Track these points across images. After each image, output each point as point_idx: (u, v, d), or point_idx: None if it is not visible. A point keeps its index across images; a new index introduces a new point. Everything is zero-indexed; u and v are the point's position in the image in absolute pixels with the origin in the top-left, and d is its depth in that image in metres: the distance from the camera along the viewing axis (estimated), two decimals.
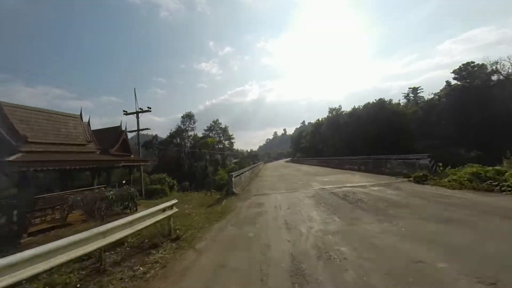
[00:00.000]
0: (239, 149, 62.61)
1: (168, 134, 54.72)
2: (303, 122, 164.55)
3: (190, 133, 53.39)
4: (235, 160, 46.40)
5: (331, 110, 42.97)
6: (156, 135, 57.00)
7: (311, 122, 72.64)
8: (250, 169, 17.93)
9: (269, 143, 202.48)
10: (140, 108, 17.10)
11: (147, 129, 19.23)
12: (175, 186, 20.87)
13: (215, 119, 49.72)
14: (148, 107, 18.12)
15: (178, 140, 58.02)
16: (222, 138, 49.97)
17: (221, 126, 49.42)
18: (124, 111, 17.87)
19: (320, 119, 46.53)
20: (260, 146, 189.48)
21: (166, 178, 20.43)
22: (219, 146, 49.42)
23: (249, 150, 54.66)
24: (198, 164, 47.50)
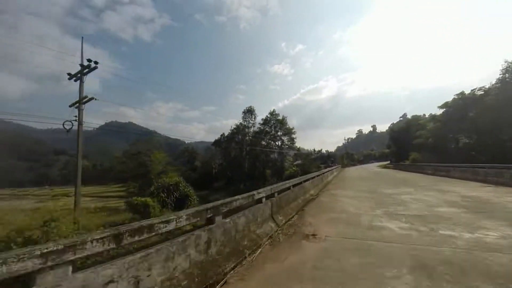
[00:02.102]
0: (309, 149, 52.42)
1: (229, 132, 55.20)
2: (404, 115, 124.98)
3: (251, 129, 50.52)
4: (298, 162, 37.73)
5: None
6: (223, 133, 59.40)
7: (417, 114, 48.55)
8: (311, 178, 10.56)
9: (351, 143, 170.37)
10: (88, 61, 11.47)
11: (90, 98, 12.16)
12: (192, 199, 16.23)
13: (272, 110, 43.38)
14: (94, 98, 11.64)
15: (240, 138, 57.40)
16: (279, 133, 42.75)
17: (278, 118, 42.31)
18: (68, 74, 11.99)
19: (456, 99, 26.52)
20: (338, 147, 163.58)
21: (181, 184, 16.24)
22: (275, 143, 42.57)
23: (322, 151, 43.35)
24: (257, 164, 43.31)
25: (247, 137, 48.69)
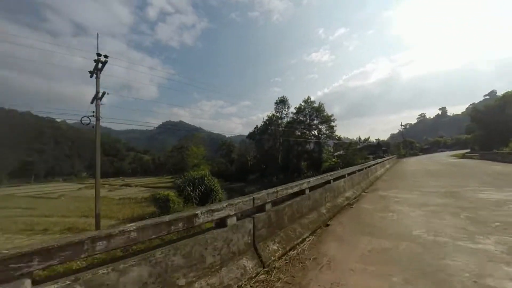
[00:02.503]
0: (354, 138, 45.33)
1: (262, 123, 53.51)
2: (492, 93, 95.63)
3: (285, 120, 47.39)
4: (339, 153, 32.76)
5: None
6: (256, 126, 58.48)
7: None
8: (348, 174, 7.43)
9: (411, 129, 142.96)
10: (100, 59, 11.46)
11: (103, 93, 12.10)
12: (217, 193, 15.25)
13: (306, 97, 38.73)
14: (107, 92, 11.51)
15: (273, 129, 55.04)
16: (315, 122, 37.94)
17: (314, 105, 37.47)
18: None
19: None
20: (392, 134, 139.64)
21: (206, 177, 15.42)
22: (311, 132, 38.07)
23: (369, 139, 36.09)
24: (290, 156, 40.33)
25: (280, 128, 45.88)
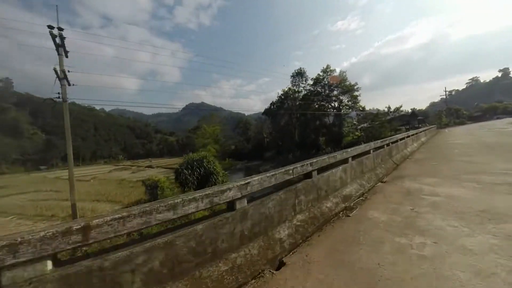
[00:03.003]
0: (382, 108, 38.84)
1: (277, 98, 49.46)
2: None
3: (302, 94, 42.73)
4: (362, 125, 28.36)
5: None
6: (272, 101, 54.70)
7: None
8: (354, 157, 4.81)
9: (457, 96, 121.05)
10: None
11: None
12: (217, 175, 13.95)
13: (325, 66, 33.14)
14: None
15: (289, 104, 50.91)
16: (335, 92, 32.82)
17: (334, 73, 32.03)
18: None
19: None
20: (433, 103, 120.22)
21: (205, 159, 14.11)
22: (330, 104, 33.39)
23: (401, 108, 29.97)
24: (307, 131, 36.98)
25: (298, 102, 41.69)
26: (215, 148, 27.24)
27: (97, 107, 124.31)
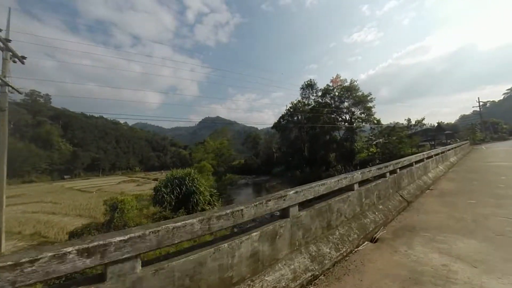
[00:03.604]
0: (401, 122, 34.77)
1: (285, 111, 47.84)
2: None
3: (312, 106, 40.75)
4: (378, 141, 25.08)
5: None
6: (282, 115, 53.36)
7: None
8: (332, 193, 3.33)
9: (494, 109, 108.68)
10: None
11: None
12: (200, 196, 12.33)
13: (335, 76, 31.17)
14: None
15: (299, 118, 48.99)
16: (346, 103, 30.20)
17: (345, 84, 29.77)
18: None
19: None
20: (463, 116, 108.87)
21: (188, 177, 12.69)
22: (341, 117, 30.69)
23: (423, 121, 26.04)
24: (315, 147, 34.19)
25: (307, 115, 39.62)
26: (213, 163, 25.78)
27: (122, 121, 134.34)
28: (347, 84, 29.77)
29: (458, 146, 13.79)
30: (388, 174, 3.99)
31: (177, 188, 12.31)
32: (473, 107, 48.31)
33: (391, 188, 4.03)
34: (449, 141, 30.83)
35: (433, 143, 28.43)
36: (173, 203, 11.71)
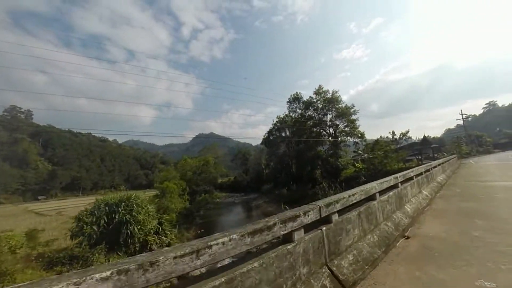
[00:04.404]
0: (388, 136, 33.43)
1: (272, 125, 46.43)
2: None
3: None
4: (364, 156, 23.29)
5: None
6: (270, 130, 51.95)
7: None
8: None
9: (475, 122, 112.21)
10: None
11: None
12: (132, 225, 9.74)
13: (318, 87, 30.41)
14: None
15: (287, 133, 47.62)
16: (329, 116, 29.00)
17: (327, 95, 28.88)
18: None
19: None
20: (448, 130, 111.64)
21: (123, 204, 10.17)
22: (325, 130, 29.27)
23: (408, 134, 24.90)
24: (301, 163, 32.09)
25: (293, 129, 38.22)
26: (180, 183, 22.99)
27: (112, 138, 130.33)
28: (329, 95, 28.88)
29: (446, 161, 11.95)
30: (295, 236, 1.80)
31: (105, 217, 9.61)
32: (456, 119, 48.66)
33: (304, 265, 1.82)
34: (436, 155, 29.42)
35: (420, 157, 26.92)
36: (94, 236, 8.92)
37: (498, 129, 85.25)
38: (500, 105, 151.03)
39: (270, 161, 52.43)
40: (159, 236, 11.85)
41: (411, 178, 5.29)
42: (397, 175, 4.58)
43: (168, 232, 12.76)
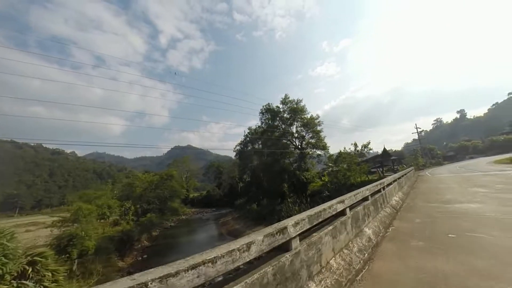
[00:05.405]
0: (351, 148, 33.29)
1: (243, 137, 44.40)
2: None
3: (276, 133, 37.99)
4: (331, 169, 22.17)
5: None
6: (242, 141, 49.61)
7: None
8: None
9: (428, 137, 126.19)
10: None
11: None
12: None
13: (284, 96, 29.71)
14: None
15: (260, 145, 45.84)
16: (295, 126, 28.15)
17: (293, 105, 28.16)
18: None
19: None
20: (406, 144, 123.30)
21: None
22: (292, 143, 28.18)
23: (368, 147, 25.03)
24: (269, 176, 30.00)
25: (260, 141, 36.53)
26: (107, 203, 18.71)
27: (69, 150, 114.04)
28: (294, 105, 28.15)
29: (403, 175, 10.77)
30: None
31: None
32: (412, 133, 52.79)
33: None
34: (396, 167, 30.17)
35: (381, 169, 27.06)
36: None
37: (445, 142, 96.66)
38: (444, 121, 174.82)
39: (243, 174, 49.60)
40: (29, 279, 7.92)
41: (341, 214, 3.14)
42: (314, 210, 2.37)
43: (48, 274, 8.80)
